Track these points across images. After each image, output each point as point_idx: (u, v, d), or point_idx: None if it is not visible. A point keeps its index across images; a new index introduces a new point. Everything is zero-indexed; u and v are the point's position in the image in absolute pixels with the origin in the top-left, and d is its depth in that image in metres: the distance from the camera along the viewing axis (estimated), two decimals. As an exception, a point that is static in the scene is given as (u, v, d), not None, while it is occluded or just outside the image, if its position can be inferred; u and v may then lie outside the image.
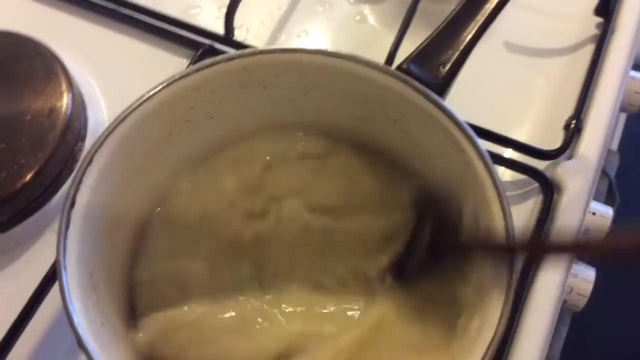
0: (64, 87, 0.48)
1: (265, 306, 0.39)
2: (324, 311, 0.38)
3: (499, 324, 0.30)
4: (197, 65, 0.36)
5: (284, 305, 0.39)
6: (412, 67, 0.37)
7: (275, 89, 0.38)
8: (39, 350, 0.42)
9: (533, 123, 0.51)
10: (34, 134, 0.46)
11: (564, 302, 0.50)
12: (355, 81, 0.37)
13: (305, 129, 0.41)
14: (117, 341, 0.35)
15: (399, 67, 0.37)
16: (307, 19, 0.59)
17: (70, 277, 0.30)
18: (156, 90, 0.35)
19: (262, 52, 0.36)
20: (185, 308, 0.38)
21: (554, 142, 0.49)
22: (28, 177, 0.44)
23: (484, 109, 0.51)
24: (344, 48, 0.57)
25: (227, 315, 0.38)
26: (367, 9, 0.59)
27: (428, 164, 0.39)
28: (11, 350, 0.40)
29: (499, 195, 0.32)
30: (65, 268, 0.30)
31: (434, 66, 0.37)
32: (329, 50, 0.36)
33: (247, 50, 0.36)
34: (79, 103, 0.49)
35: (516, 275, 0.32)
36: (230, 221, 0.41)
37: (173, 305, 0.38)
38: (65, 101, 0.48)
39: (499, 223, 0.32)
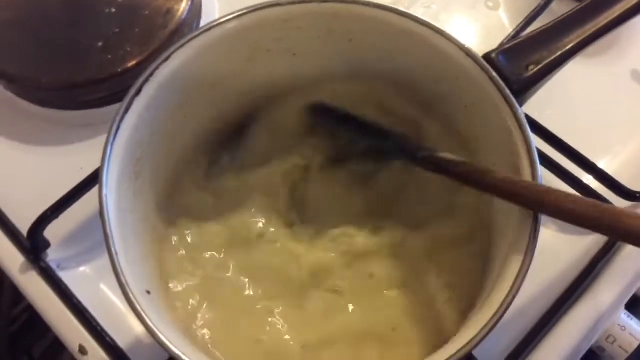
0: (187, -8, 0.51)
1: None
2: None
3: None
4: (292, -1, 0.37)
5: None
6: (500, 58, 0.36)
7: (361, 44, 0.39)
8: (92, 218, 0.46)
9: (627, 159, 0.48)
10: (147, 29, 0.49)
11: (603, 350, 0.48)
12: (439, 56, 0.37)
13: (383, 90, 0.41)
14: (145, 232, 0.37)
15: (486, 55, 0.36)
16: (439, -8, 0.58)
17: (114, 154, 0.33)
18: (246, 11, 0.36)
19: (356, 2, 0.36)
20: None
21: (641, 184, 0.46)
22: (129, 64, 0.48)
23: (582, 127, 0.49)
24: (465, 30, 0.56)
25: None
26: (502, -2, 0.58)
27: (478, 151, 0.38)
28: (67, 210, 0.44)
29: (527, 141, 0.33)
30: (112, 145, 0.33)
31: (523, 64, 0.36)
32: (420, 18, 0.36)
33: (342, -2, 0.36)
34: (196, 11, 0.52)
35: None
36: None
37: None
38: (183, 5, 0.50)
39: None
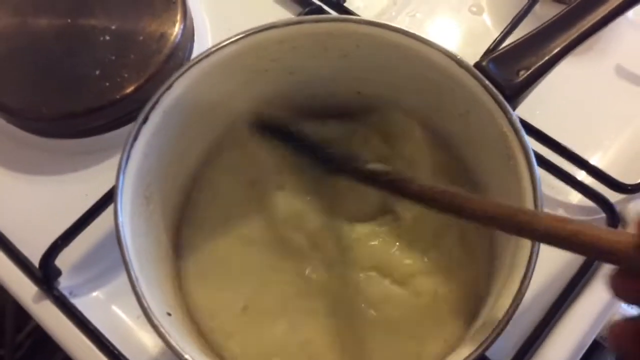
0: (179, 16, 0.52)
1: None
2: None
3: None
4: (285, 20, 0.38)
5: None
6: (491, 66, 0.37)
7: (355, 59, 0.40)
8: (101, 244, 0.47)
9: (617, 153, 0.50)
10: (142, 54, 0.50)
11: (606, 339, 0.49)
12: (431, 68, 0.38)
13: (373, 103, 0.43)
14: (161, 255, 0.38)
15: (477, 64, 0.38)
16: (423, 1, 0.59)
17: (126, 182, 0.34)
18: (242, 35, 0.38)
19: (347, 20, 0.38)
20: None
21: (634, 177, 0.47)
22: (127, 90, 0.49)
23: (572, 125, 0.50)
24: (451, 36, 0.57)
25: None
26: (485, 2, 0.59)
27: (476, 157, 0.39)
28: (77, 238, 0.45)
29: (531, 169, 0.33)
30: (124, 172, 0.34)
31: (513, 70, 0.37)
32: (409, 31, 0.37)
33: (334, 16, 0.38)
34: (188, 34, 0.53)
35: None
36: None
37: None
38: (176, 30, 0.51)
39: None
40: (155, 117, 0.36)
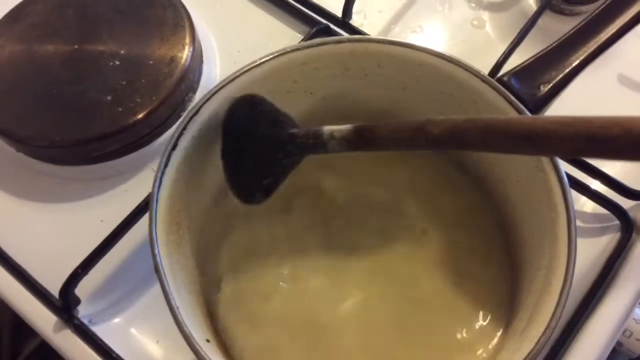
0: (187, 39, 0.52)
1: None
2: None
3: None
4: (308, 42, 0.38)
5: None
6: (513, 81, 0.38)
7: (376, 78, 0.40)
8: (118, 270, 0.47)
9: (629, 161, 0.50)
10: (153, 78, 0.50)
11: (620, 344, 0.50)
12: (454, 84, 0.38)
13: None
14: (191, 280, 0.38)
15: (499, 79, 0.38)
16: (425, 16, 0.60)
17: (160, 209, 0.34)
18: (267, 58, 0.38)
19: (370, 40, 0.38)
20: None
21: (646, 183, 0.48)
22: (140, 115, 0.49)
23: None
24: (455, 50, 0.58)
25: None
26: (486, 15, 0.60)
27: (502, 169, 0.40)
28: (96, 265, 0.45)
29: (569, 220, 0.33)
30: (157, 200, 0.34)
31: (535, 84, 0.38)
32: (434, 49, 0.38)
33: (356, 37, 0.38)
34: (197, 57, 0.53)
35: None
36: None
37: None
38: (186, 53, 0.51)
39: (562, 247, 0.33)
40: (183, 143, 0.36)
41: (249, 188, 0.38)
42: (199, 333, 0.33)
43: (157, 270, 0.32)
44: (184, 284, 0.36)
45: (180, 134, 0.36)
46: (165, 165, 0.35)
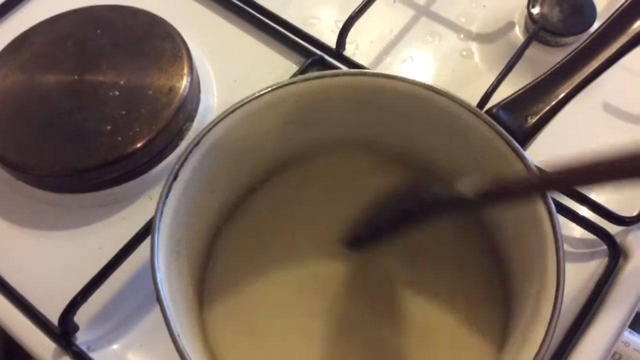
0: (185, 70, 0.53)
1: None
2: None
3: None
4: (305, 75, 0.39)
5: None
6: (501, 113, 0.40)
7: (371, 110, 0.42)
8: (117, 297, 0.47)
9: (613, 187, 0.52)
10: (152, 108, 0.51)
11: (612, 368, 0.51)
12: (444, 115, 0.40)
13: (388, 152, 0.44)
14: (189, 307, 0.39)
15: (488, 111, 0.40)
16: (415, 46, 0.61)
17: (161, 238, 0.35)
18: (265, 91, 0.39)
19: (366, 74, 0.40)
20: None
21: (632, 209, 0.50)
22: (139, 144, 0.50)
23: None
24: (445, 80, 0.59)
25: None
26: (474, 46, 0.62)
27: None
28: (95, 292, 0.45)
29: (557, 243, 0.34)
30: (159, 230, 0.35)
31: (522, 116, 0.39)
32: (424, 82, 0.39)
33: (352, 70, 0.39)
34: (195, 86, 0.54)
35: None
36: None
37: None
38: (184, 83, 0.53)
39: (550, 275, 0.34)
40: (184, 174, 0.37)
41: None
42: (200, 360, 0.34)
43: (158, 298, 0.33)
44: (184, 311, 0.37)
45: (182, 165, 0.37)
46: (167, 196, 0.36)
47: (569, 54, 0.41)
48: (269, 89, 0.39)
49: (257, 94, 0.39)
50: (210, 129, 0.38)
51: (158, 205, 0.35)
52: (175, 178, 0.36)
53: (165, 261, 0.35)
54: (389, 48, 0.61)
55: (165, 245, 0.35)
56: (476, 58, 0.61)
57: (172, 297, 0.34)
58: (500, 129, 0.37)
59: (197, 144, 0.37)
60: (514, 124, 0.39)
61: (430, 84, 0.39)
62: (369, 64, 0.59)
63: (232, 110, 0.39)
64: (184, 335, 0.33)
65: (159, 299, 0.33)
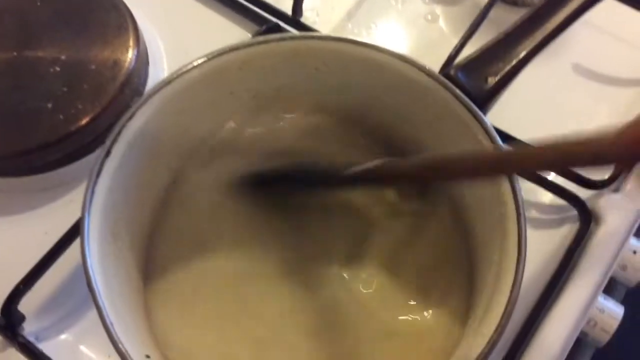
0: (131, 42, 0.50)
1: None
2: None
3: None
4: (248, 40, 0.37)
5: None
6: (459, 75, 0.37)
7: (324, 75, 0.39)
8: (65, 284, 0.45)
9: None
10: (95, 83, 0.48)
11: (586, 335, 0.49)
12: (400, 79, 0.37)
13: (345, 117, 0.42)
14: (130, 293, 0.37)
15: (446, 73, 0.37)
16: (378, 12, 0.59)
17: (93, 220, 0.32)
18: (205, 59, 0.36)
19: (312, 37, 0.37)
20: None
21: (603, 173, 0.48)
22: (82, 122, 0.47)
23: (536, 126, 0.50)
24: (409, 45, 0.57)
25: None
26: (439, 10, 0.59)
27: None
28: (40, 280, 0.43)
29: (519, 215, 0.32)
30: (89, 211, 0.32)
31: (482, 77, 0.37)
32: (378, 45, 0.37)
33: (298, 34, 0.37)
34: (142, 59, 0.51)
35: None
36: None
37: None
38: (129, 56, 0.50)
39: (512, 243, 0.32)
40: (118, 150, 0.34)
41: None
42: (139, 348, 0.31)
43: (89, 284, 0.31)
44: (124, 297, 0.34)
45: (114, 140, 0.34)
46: (98, 175, 0.33)
47: (530, 11, 0.39)
48: (210, 57, 0.37)
49: (197, 62, 0.36)
50: (146, 100, 0.35)
51: (88, 185, 0.33)
52: (108, 154, 0.34)
53: (100, 244, 0.33)
54: (351, 14, 0.59)
55: (98, 227, 0.33)
56: (441, 22, 0.58)
57: (106, 283, 0.32)
58: (457, 91, 0.35)
59: (130, 118, 0.35)
60: (472, 86, 0.36)
61: (383, 46, 0.37)
62: (329, 31, 0.56)
63: (169, 81, 0.36)
64: (120, 323, 0.31)
65: (89, 285, 0.31)
